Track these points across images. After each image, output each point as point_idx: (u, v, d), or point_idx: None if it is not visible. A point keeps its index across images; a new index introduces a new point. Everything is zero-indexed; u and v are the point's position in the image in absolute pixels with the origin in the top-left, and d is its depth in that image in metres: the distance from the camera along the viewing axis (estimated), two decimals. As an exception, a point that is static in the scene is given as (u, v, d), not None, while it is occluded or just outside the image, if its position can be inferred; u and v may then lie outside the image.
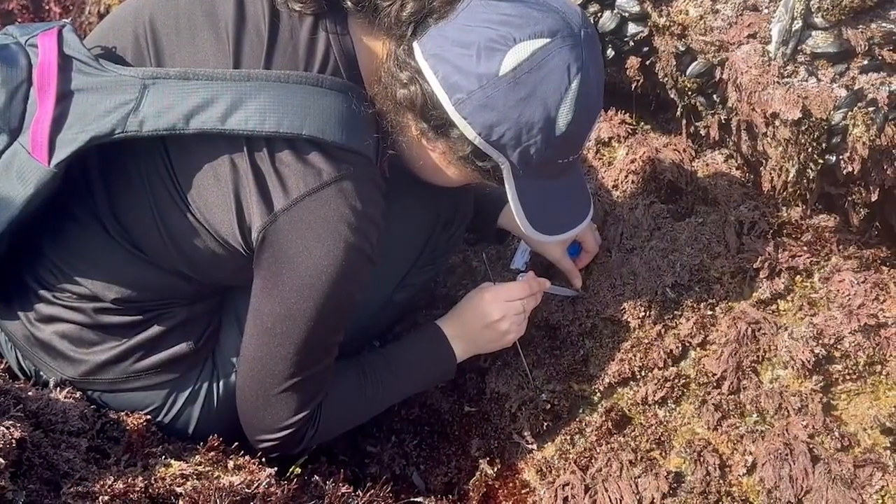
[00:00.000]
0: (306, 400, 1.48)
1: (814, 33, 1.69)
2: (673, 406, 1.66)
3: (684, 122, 2.02)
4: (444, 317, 1.72)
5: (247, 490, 1.36)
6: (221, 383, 1.59)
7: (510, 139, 1.35)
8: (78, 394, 1.51)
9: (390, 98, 1.40)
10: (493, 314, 1.66)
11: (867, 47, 1.66)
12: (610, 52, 1.98)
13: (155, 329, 1.52)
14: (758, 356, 1.64)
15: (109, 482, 1.27)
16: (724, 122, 1.88)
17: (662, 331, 1.72)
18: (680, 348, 1.70)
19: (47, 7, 3.24)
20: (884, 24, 1.67)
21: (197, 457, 1.47)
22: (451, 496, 1.73)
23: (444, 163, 1.47)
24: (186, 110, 1.32)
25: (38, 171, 1.33)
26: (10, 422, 1.23)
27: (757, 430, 1.57)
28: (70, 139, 1.32)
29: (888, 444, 1.48)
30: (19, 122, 1.35)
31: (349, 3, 1.38)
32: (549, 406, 1.72)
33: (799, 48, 1.69)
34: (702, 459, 1.56)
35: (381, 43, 1.41)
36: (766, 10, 1.76)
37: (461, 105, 1.33)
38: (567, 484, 1.61)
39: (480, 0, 1.34)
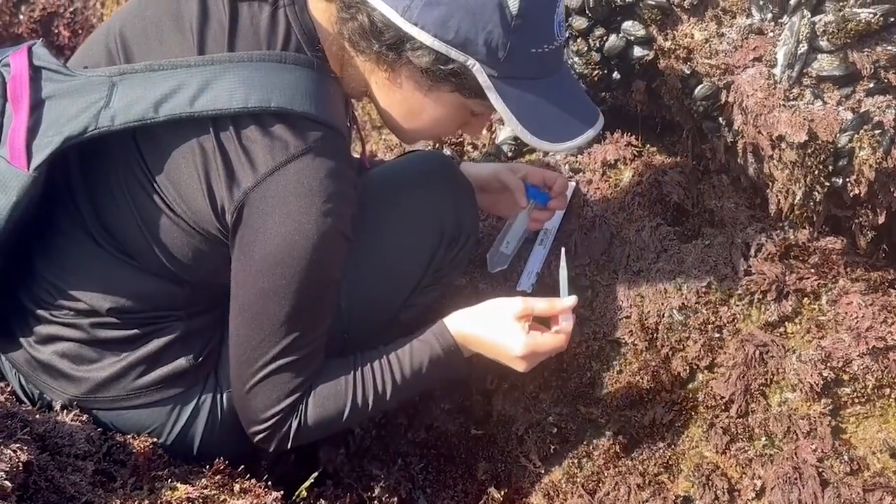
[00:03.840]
0: (288, 388, 1.46)
1: (819, 56, 1.69)
2: (681, 429, 1.65)
3: (690, 144, 2.02)
4: (458, 317, 1.60)
5: (253, 514, 1.36)
6: (224, 399, 1.59)
7: (467, 30, 1.32)
8: (84, 416, 1.52)
9: (347, 41, 1.40)
10: (517, 350, 1.53)
11: (873, 70, 1.67)
12: (616, 76, 1.99)
13: (154, 344, 1.53)
14: (766, 379, 1.63)
15: (115, 506, 1.27)
16: (729, 144, 1.88)
17: (670, 353, 1.72)
18: (687, 371, 1.69)
19: (56, 30, 3.27)
20: (889, 48, 1.67)
21: (203, 480, 1.47)
22: (457, 520, 1.72)
23: (418, 98, 1.43)
24: (155, 99, 1.34)
25: (18, 177, 1.35)
26: (17, 445, 1.23)
27: (766, 454, 1.56)
28: (46, 143, 1.35)
29: (898, 468, 1.47)
30: None
31: None
32: (556, 429, 1.71)
33: (804, 71, 1.70)
34: (710, 483, 1.55)
35: (333, 6, 1.41)
36: (771, 34, 1.76)
37: (408, 12, 1.31)
38: (575, 508, 1.60)
39: None
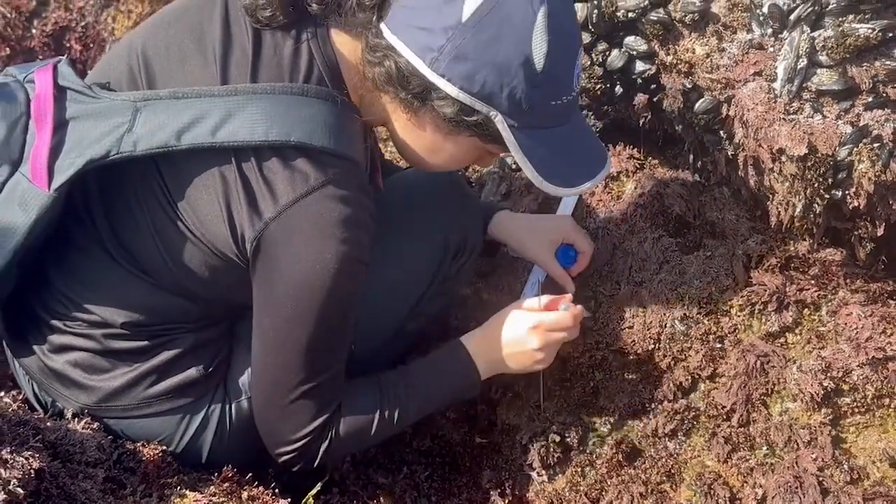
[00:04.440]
0: (317, 409, 1.48)
1: (819, 71, 1.70)
2: (683, 438, 1.65)
3: (691, 157, 2.02)
4: (473, 332, 1.68)
5: (261, 521, 1.36)
6: (234, 409, 1.60)
7: (492, 85, 1.32)
8: (95, 424, 1.52)
9: (371, 83, 1.40)
10: (531, 342, 1.61)
11: (872, 85, 1.67)
12: (618, 90, 1.99)
13: (164, 354, 1.53)
14: (767, 389, 1.63)
15: (126, 513, 1.28)
16: (730, 157, 1.88)
17: (672, 363, 1.72)
18: (689, 381, 1.69)
19: (68, 44, 3.28)
20: (888, 62, 1.68)
21: (211, 487, 1.47)
22: (462, 528, 1.72)
23: (439, 140, 1.44)
24: (178, 127, 1.34)
25: (39, 197, 1.35)
26: (29, 452, 1.23)
27: (767, 463, 1.56)
28: (68, 164, 1.34)
29: (898, 478, 1.47)
30: (19, 154, 1.38)
31: (314, 6, 1.39)
32: (559, 438, 1.71)
33: (804, 85, 1.70)
34: (712, 492, 1.55)
35: (357, 43, 1.41)
36: (771, 49, 1.77)
37: (436, 64, 1.32)
38: (578, 516, 1.60)
39: None
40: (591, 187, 1.50)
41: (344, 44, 1.42)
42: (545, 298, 1.66)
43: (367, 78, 1.40)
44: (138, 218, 1.43)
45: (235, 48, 1.40)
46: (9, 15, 3.33)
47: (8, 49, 3.32)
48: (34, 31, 3.31)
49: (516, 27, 1.30)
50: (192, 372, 1.55)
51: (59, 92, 1.39)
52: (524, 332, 1.62)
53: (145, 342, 1.52)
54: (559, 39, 1.32)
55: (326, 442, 1.51)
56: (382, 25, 1.35)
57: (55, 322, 1.51)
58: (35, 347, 1.54)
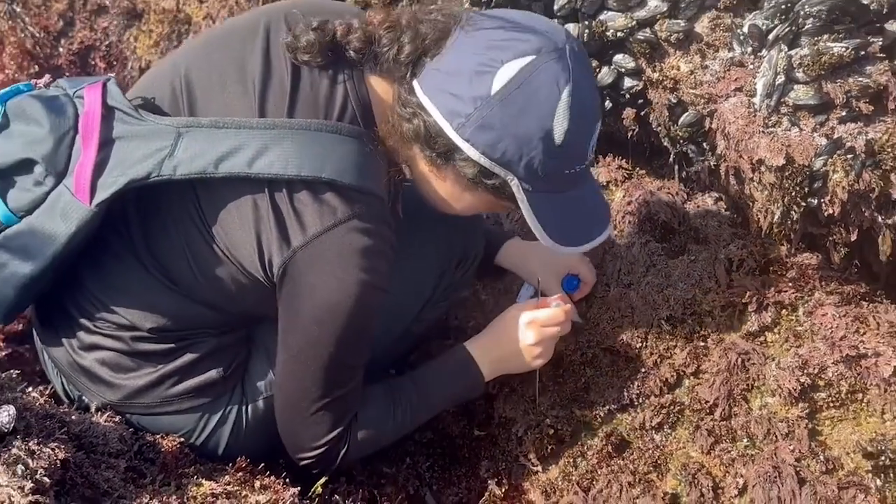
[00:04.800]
0: (337, 420, 1.48)
1: (796, 87, 1.70)
2: (669, 431, 1.65)
3: (676, 167, 2.03)
4: (475, 337, 1.69)
5: (272, 508, 1.36)
6: (250, 408, 1.59)
7: (513, 154, 1.33)
8: (118, 417, 1.52)
9: (398, 134, 1.40)
10: (529, 338, 1.63)
11: (845, 99, 1.68)
12: (608, 104, 2.00)
13: (187, 357, 1.53)
14: (747, 384, 1.63)
15: (146, 500, 1.28)
16: (713, 167, 1.89)
17: (658, 360, 1.72)
18: (675, 377, 1.69)
19: (93, 62, 3.29)
20: (860, 79, 1.68)
21: (226, 477, 1.47)
22: (461, 515, 1.72)
23: (457, 191, 1.45)
24: (216, 156, 1.33)
25: (80, 210, 1.34)
26: (55, 444, 1.23)
27: (747, 454, 1.55)
28: (110, 182, 1.34)
29: (870, 468, 1.47)
30: (65, 166, 1.37)
31: (352, 53, 1.39)
32: (553, 430, 1.71)
33: (782, 100, 1.71)
34: (696, 482, 1.55)
35: (389, 87, 1.42)
36: (751, 66, 1.77)
37: (462, 129, 1.32)
38: (570, 504, 1.60)
39: (466, 32, 1.34)
40: (591, 248, 1.52)
41: (377, 85, 1.42)
42: (538, 300, 1.68)
43: (396, 131, 1.40)
44: (172, 235, 1.42)
45: (274, 81, 1.39)
46: (38, 35, 3.34)
47: (37, 66, 3.33)
48: (61, 49, 3.32)
49: (541, 104, 1.30)
50: (212, 374, 1.55)
51: (107, 111, 1.37)
52: (521, 329, 1.63)
53: (170, 345, 1.51)
54: (580, 116, 1.33)
55: (344, 448, 1.52)
56: (415, 83, 1.36)
57: (85, 321, 1.51)
58: (65, 342, 1.54)
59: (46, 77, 1.49)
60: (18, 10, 3.38)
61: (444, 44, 1.35)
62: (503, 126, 1.31)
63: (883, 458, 1.45)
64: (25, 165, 1.38)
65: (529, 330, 1.63)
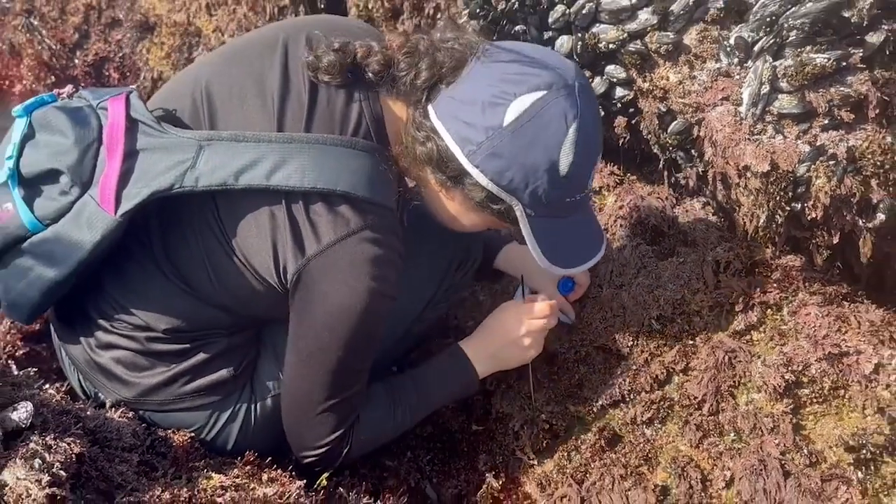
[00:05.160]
0: (341, 420, 1.48)
1: (780, 96, 1.70)
2: (659, 426, 1.65)
3: (666, 173, 2.03)
4: (469, 337, 1.70)
5: (279, 500, 1.36)
6: (258, 406, 1.59)
7: (519, 182, 1.34)
8: (131, 413, 1.52)
9: (411, 156, 1.41)
10: (518, 331, 1.65)
11: (827, 108, 1.68)
12: (601, 113, 1.99)
13: (199, 356, 1.53)
14: (734, 381, 1.63)
15: (158, 493, 1.27)
16: (701, 173, 1.89)
17: (649, 358, 1.72)
18: (665, 374, 1.69)
19: (107, 73, 3.30)
20: (842, 88, 1.68)
21: (235, 470, 1.47)
22: (460, 506, 1.72)
23: (463, 210, 1.47)
24: (236, 168, 1.34)
25: (105, 220, 1.34)
26: (71, 438, 1.23)
27: (734, 448, 1.55)
28: (134, 193, 1.34)
29: (851, 461, 1.47)
30: (90, 177, 1.37)
31: (371, 76, 1.40)
32: (548, 425, 1.71)
33: (767, 109, 1.71)
34: (685, 474, 1.55)
35: (403, 108, 1.43)
36: (737, 77, 1.77)
37: (473, 155, 1.34)
38: (565, 496, 1.60)
39: (482, 64, 1.35)
40: (585, 269, 1.58)
41: (391, 105, 1.43)
42: (525, 297, 1.72)
43: (410, 152, 1.41)
44: (191, 243, 1.42)
45: (292, 96, 1.40)
46: (54, 47, 3.34)
47: (53, 77, 3.33)
48: (77, 61, 3.32)
49: (549, 137, 1.32)
50: (223, 373, 1.55)
51: (131, 123, 1.37)
52: (510, 323, 1.66)
53: (183, 345, 1.52)
54: (584, 150, 1.34)
55: (347, 447, 1.52)
56: (430, 108, 1.37)
57: (103, 322, 1.51)
58: (83, 341, 1.54)
59: (69, 87, 1.49)
60: (36, 23, 3.38)
61: (461, 72, 1.36)
62: (512, 156, 1.32)
63: (864, 451, 1.45)
64: (51, 175, 1.38)
65: (518, 324, 1.65)
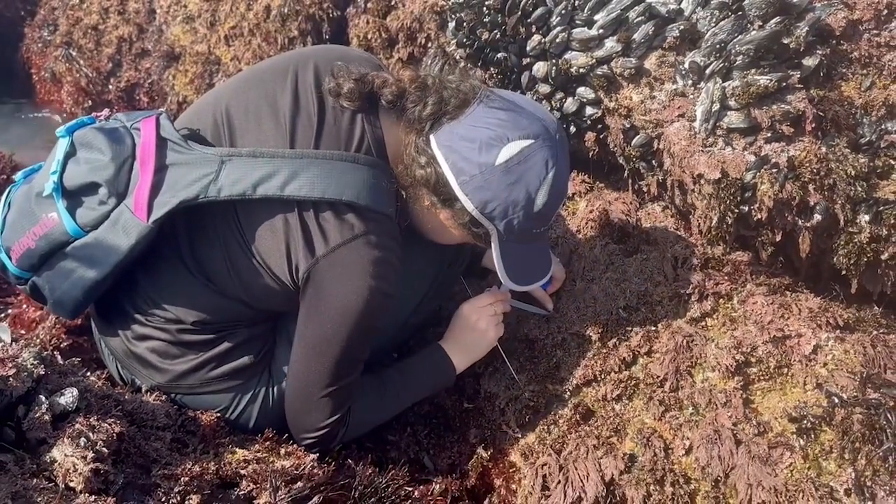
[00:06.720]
0: (339, 405, 1.48)
1: (729, 113, 1.71)
2: (626, 402, 1.65)
3: (630, 181, 2.03)
4: (445, 335, 1.72)
5: (296, 471, 1.36)
6: (276, 388, 1.59)
7: (499, 213, 1.38)
8: (164, 397, 1.52)
9: (410, 176, 1.42)
10: (471, 318, 1.68)
11: (770, 123, 1.68)
12: (573, 129, 2.00)
13: (224, 345, 1.53)
14: (692, 362, 1.63)
15: (189, 466, 1.27)
16: (661, 181, 1.89)
17: (617, 343, 1.72)
18: (631, 356, 1.69)
19: (138, 97, 3.29)
20: (783, 106, 1.69)
21: (256, 445, 1.46)
22: (454, 475, 1.71)
23: (447, 227, 1.49)
24: (254, 181, 1.34)
25: (139, 226, 1.34)
26: (112, 419, 1.23)
27: (692, 420, 1.56)
28: (164, 202, 1.34)
29: (794, 430, 1.47)
30: (125, 189, 1.37)
31: (384, 102, 1.41)
32: (530, 403, 1.71)
33: (718, 124, 1.71)
34: (650, 444, 1.55)
35: (403, 132, 1.44)
36: (691, 96, 1.78)
37: (464, 185, 1.36)
38: (545, 464, 1.60)
39: (483, 107, 1.38)
40: (534, 288, 1.70)
41: (391, 128, 1.44)
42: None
43: (410, 173, 1.42)
44: (216, 246, 1.43)
45: (303, 116, 1.41)
46: (91, 74, 3.33)
47: (90, 101, 3.32)
48: (111, 86, 3.31)
49: (532, 180, 1.36)
50: (244, 359, 1.55)
51: (161, 141, 1.38)
52: (465, 316, 1.69)
53: (209, 336, 1.51)
54: (556, 192, 1.39)
55: (343, 430, 1.52)
56: (432, 137, 1.39)
57: (138, 315, 1.51)
58: (121, 333, 1.53)
59: (106, 111, 1.50)
60: (74, 53, 3.37)
61: (463, 111, 1.38)
62: (498, 190, 1.36)
63: (805, 421, 1.46)
64: (91, 188, 1.38)
65: (471, 313, 1.68)
